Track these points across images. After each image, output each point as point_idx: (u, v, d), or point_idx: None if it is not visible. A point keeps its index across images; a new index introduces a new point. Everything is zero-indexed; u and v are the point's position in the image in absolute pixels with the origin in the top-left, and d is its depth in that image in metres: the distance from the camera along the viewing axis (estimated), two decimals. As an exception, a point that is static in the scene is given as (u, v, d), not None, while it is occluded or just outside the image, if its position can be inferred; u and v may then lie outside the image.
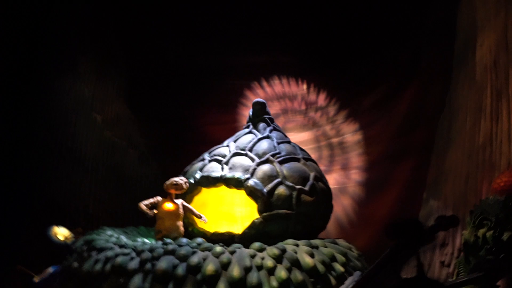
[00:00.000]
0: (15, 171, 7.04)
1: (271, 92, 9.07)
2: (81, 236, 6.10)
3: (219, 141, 6.54)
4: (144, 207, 5.47)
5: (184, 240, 4.76)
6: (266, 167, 5.58)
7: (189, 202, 5.76)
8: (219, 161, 5.85)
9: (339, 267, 4.54)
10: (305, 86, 9.02)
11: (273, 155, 5.74)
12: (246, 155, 5.79)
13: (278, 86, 9.08)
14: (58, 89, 7.53)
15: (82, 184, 7.60)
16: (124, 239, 5.14)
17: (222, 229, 5.53)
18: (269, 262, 4.22)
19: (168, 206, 5.45)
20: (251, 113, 6.54)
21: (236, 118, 8.90)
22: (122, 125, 8.22)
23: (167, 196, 5.57)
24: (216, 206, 5.97)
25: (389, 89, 8.10)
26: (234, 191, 5.68)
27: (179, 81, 8.86)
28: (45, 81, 7.42)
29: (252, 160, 5.69)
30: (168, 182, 5.56)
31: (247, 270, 4.11)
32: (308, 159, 6.02)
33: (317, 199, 5.52)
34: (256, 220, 5.25)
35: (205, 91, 8.87)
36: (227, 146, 6.11)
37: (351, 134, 8.66)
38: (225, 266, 4.15)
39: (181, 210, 5.51)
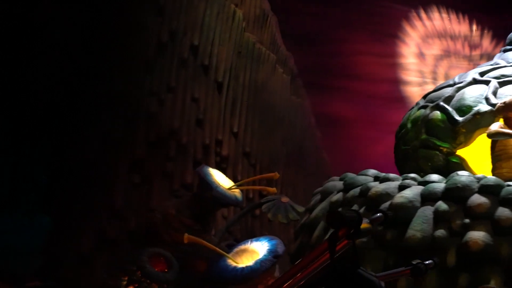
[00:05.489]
0: (107, 80, 4.19)
1: (434, 27, 7.00)
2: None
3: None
4: None
5: None
6: None
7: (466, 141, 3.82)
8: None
9: None
10: (474, 27, 7.08)
11: None
12: None
13: (441, 21, 7.04)
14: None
15: (211, 108, 4.84)
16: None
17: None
18: None
19: None
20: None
21: (394, 52, 6.73)
22: (269, 30, 5.57)
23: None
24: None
25: None
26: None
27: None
28: None
29: None
30: (509, 101, 3.49)
31: None
32: None
33: None
34: None
35: (358, 11, 6.62)
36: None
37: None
38: None
39: None
